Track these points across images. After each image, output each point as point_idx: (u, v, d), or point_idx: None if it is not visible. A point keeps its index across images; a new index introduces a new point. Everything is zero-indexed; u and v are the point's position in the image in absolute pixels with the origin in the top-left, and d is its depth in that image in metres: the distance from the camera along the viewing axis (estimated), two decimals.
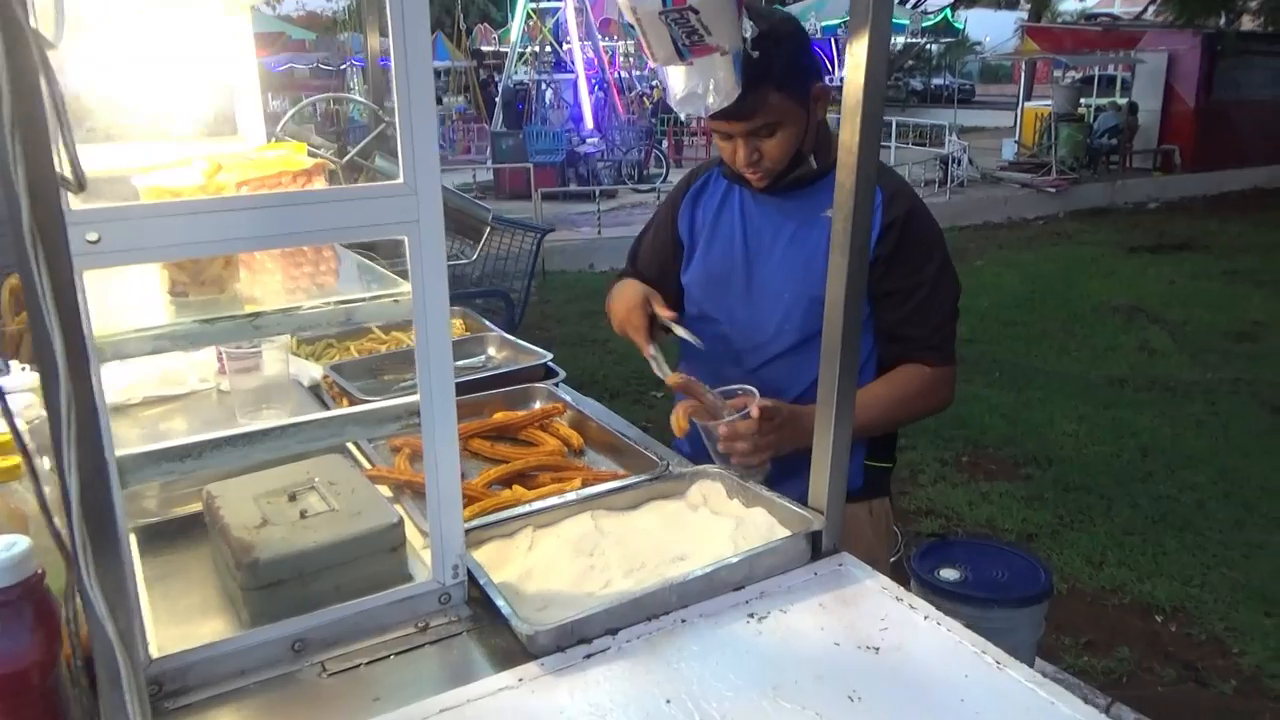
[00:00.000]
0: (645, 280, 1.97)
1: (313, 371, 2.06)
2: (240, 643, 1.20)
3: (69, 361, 0.82)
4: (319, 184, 1.48)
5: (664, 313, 1.77)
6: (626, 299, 1.84)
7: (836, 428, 1.36)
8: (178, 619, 1.34)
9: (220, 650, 1.18)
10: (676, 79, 1.41)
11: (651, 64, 1.39)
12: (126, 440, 1.74)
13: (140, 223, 1.01)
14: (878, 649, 1.21)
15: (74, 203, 0.98)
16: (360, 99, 3.07)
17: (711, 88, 1.36)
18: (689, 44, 1.31)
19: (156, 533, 1.54)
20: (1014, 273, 9.81)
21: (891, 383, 1.80)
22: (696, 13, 1.34)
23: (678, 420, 1.64)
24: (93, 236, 0.99)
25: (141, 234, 1.02)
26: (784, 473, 1.65)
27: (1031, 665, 2.80)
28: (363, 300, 1.18)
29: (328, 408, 1.98)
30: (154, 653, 1.19)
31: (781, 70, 1.61)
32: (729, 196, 1.92)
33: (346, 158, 2.70)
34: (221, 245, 1.07)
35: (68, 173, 0.83)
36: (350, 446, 1.72)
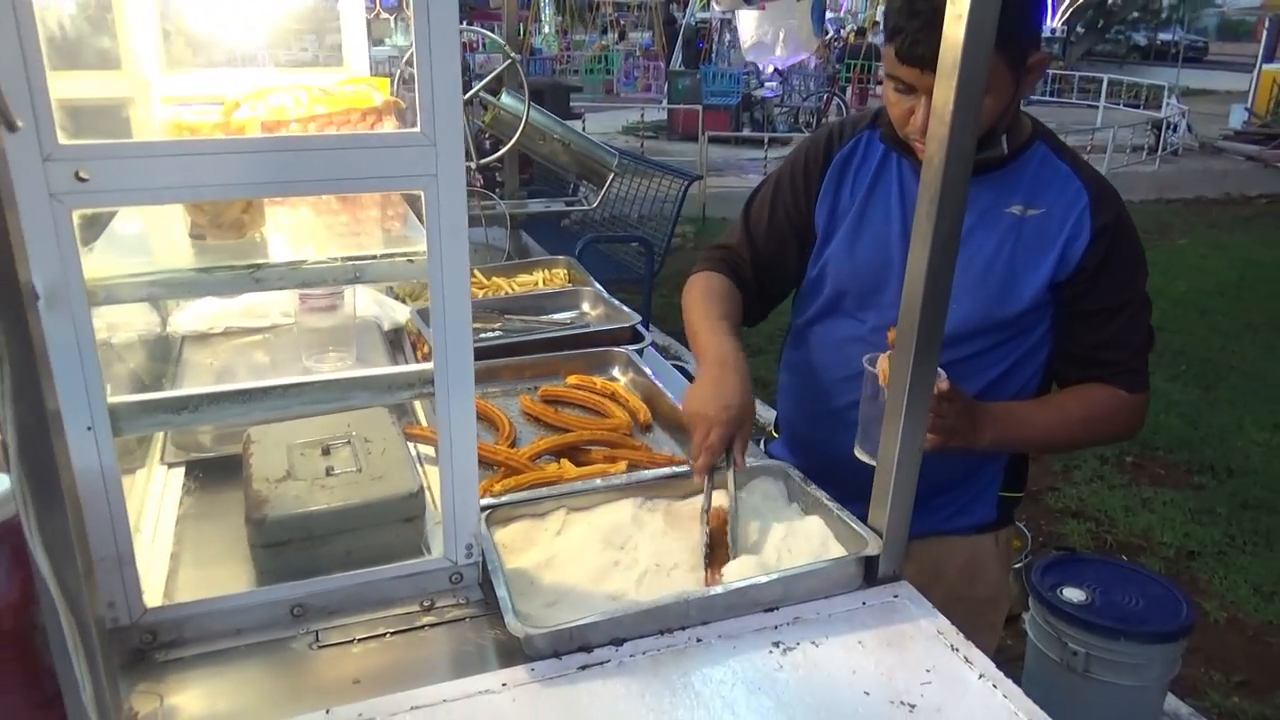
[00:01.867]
0: (759, 257, 1.67)
1: (399, 314, 2.02)
2: (240, 601, 1.16)
3: (4, 311, 0.76)
4: (389, 124, 1.41)
5: (742, 463, 1.39)
6: (725, 396, 1.41)
7: (904, 440, 1.18)
8: (204, 560, 1.33)
9: (219, 606, 1.15)
10: (747, 24, 1.25)
11: (718, 7, 1.21)
12: (202, 370, 1.76)
13: (133, 162, 0.96)
14: (913, 707, 1.04)
15: (62, 138, 0.93)
16: (486, 33, 2.99)
17: (782, 37, 1.18)
18: None
19: (212, 468, 1.54)
20: (1222, 255, 8.82)
21: (1082, 400, 1.55)
22: None
23: (883, 367, 1.34)
24: (85, 174, 0.94)
25: (134, 174, 0.96)
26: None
27: (1160, 708, 2.52)
28: (374, 258, 1.09)
29: (405, 354, 1.94)
30: (157, 600, 1.17)
31: (1007, 20, 1.13)
32: (885, 168, 1.58)
33: (469, 94, 2.63)
34: (219, 190, 1.00)
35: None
36: None
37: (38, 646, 1.02)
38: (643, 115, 12.68)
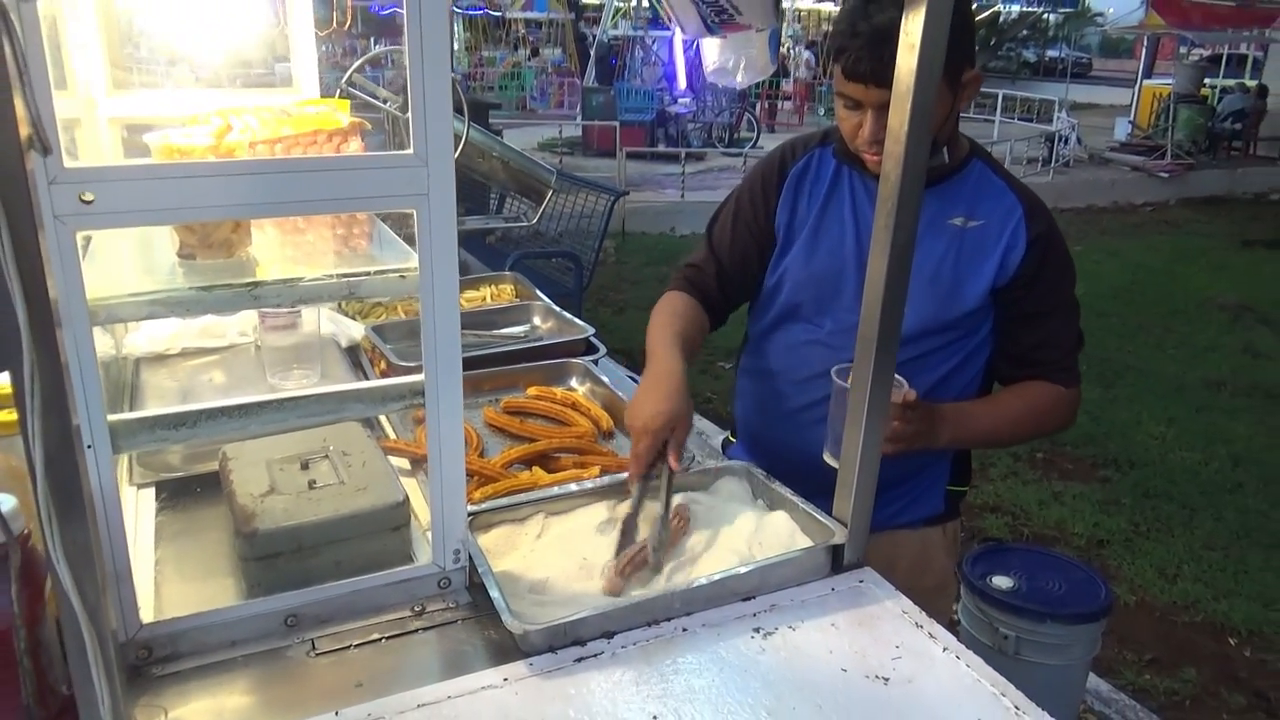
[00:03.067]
0: (724, 271, 1.75)
1: (354, 331, 2.04)
2: (233, 613, 1.18)
3: (32, 328, 0.79)
4: (355, 145, 1.44)
5: (675, 464, 1.44)
6: (654, 405, 1.46)
7: (867, 435, 1.27)
8: (186, 577, 1.34)
9: (213, 620, 1.17)
10: (710, 51, 1.32)
11: (682, 35, 1.29)
12: (162, 391, 1.76)
13: (135, 184, 0.98)
14: (887, 680, 1.12)
15: (67, 161, 0.96)
16: None
17: (743, 64, 1.26)
18: (718, 21, 1.22)
19: (181, 488, 1.54)
20: (1114, 261, 9.35)
21: (1023, 396, 1.68)
22: None
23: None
24: (89, 196, 0.97)
25: (136, 196, 0.98)
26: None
27: (1084, 685, 2.68)
28: (367, 274, 1.13)
29: (363, 370, 1.97)
30: (148, 617, 1.18)
31: None
32: (838, 182, 1.68)
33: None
34: (219, 211, 1.03)
35: (37, 134, 0.79)
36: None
37: (43, 664, 1.03)
38: (560, 131, 12.76)
